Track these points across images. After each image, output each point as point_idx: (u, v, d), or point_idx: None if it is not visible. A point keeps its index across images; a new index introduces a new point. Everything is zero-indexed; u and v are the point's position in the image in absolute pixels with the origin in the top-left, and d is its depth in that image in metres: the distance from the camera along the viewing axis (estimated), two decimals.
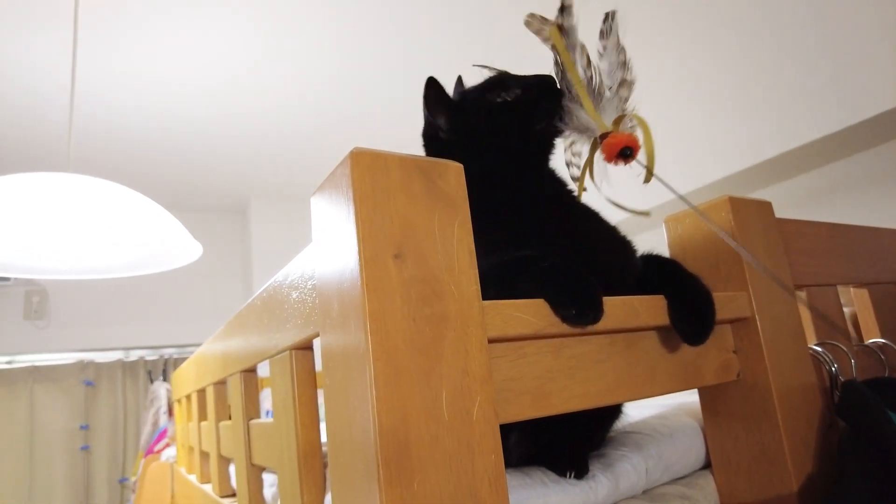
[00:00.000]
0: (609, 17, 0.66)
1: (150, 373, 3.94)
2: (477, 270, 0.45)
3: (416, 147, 0.69)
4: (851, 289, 0.89)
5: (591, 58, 0.66)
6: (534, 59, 0.70)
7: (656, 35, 2.15)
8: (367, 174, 0.42)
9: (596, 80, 0.65)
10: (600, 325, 0.50)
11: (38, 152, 3.11)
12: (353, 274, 0.41)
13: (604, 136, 0.61)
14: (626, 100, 0.64)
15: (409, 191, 0.43)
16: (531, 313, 0.47)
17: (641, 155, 0.60)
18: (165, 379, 3.72)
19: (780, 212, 0.73)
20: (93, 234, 1.43)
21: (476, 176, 0.50)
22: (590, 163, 0.68)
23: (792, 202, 1.98)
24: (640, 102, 0.65)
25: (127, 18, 2.26)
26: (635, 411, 0.80)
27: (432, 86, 0.66)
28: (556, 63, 0.67)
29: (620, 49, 0.65)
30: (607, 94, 0.65)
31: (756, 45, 1.83)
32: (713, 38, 1.97)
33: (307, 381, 0.61)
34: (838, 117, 1.59)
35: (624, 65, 0.65)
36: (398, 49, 2.66)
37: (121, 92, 2.73)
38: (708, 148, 1.97)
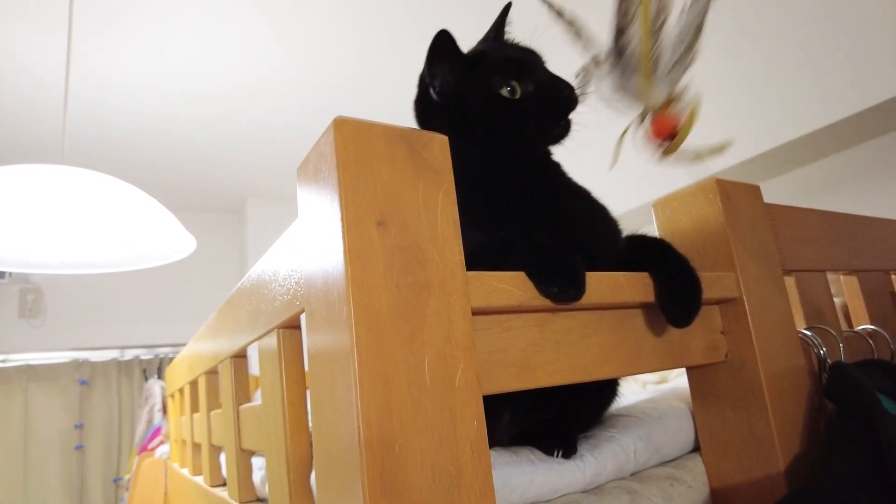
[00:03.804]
0: None
1: (144, 371, 3.93)
2: (461, 240, 0.45)
3: None
4: (841, 276, 0.89)
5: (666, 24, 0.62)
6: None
7: None
8: (351, 141, 0.42)
9: (656, 51, 0.62)
10: (585, 301, 0.50)
11: (31, 154, 3.11)
12: (336, 240, 0.41)
13: (647, 111, 0.59)
14: (677, 82, 0.62)
15: (393, 159, 0.43)
16: (515, 285, 0.47)
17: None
18: (160, 378, 3.71)
19: (783, 202, 0.73)
20: (85, 227, 1.43)
21: (462, 150, 0.50)
22: (624, 133, 0.65)
23: (794, 195, 1.98)
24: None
25: (122, 18, 2.26)
26: (629, 396, 0.80)
27: (443, 38, 0.60)
28: (619, 24, 0.62)
29: (699, 28, 0.62)
30: (660, 68, 0.62)
31: (759, 34, 1.82)
32: (716, 29, 1.96)
33: (294, 360, 0.61)
34: (843, 106, 1.58)
35: (691, 46, 0.62)
36: (396, 51, 2.66)
37: (116, 93, 2.73)
38: (708, 140, 1.96)
